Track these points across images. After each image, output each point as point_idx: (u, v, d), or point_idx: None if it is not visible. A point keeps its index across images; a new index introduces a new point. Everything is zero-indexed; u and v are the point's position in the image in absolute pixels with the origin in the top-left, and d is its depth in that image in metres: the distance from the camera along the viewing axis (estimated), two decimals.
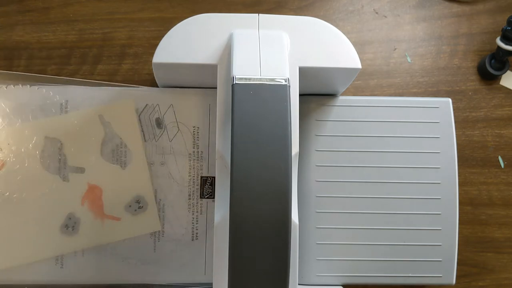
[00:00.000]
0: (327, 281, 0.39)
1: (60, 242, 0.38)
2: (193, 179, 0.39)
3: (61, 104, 0.39)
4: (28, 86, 0.40)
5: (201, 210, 0.39)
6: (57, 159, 0.39)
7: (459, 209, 0.40)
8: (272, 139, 0.28)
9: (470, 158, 0.44)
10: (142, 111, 0.40)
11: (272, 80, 0.30)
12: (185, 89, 0.40)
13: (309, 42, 0.34)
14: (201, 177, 0.39)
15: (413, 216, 0.40)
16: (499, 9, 0.47)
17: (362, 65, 0.35)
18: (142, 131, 0.40)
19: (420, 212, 0.40)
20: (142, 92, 0.40)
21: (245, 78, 0.29)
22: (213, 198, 0.39)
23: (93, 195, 0.39)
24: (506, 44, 0.43)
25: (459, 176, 0.41)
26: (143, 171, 0.39)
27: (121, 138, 0.39)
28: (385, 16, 0.47)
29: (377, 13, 0.47)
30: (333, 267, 0.39)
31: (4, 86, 0.39)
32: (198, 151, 0.40)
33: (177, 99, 0.40)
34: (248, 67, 0.30)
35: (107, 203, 0.39)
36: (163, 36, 0.34)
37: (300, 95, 0.34)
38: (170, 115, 0.40)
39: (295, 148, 0.31)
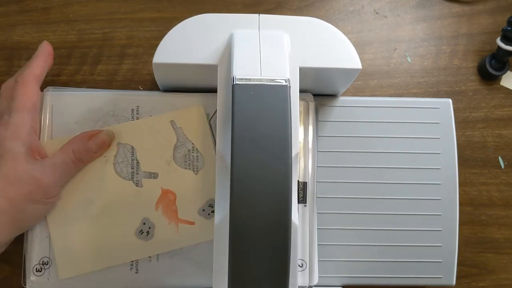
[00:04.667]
0: (327, 282, 0.39)
1: (135, 247, 0.38)
2: None
3: (132, 110, 0.39)
4: (100, 92, 0.40)
5: None
6: (130, 164, 0.39)
7: (459, 210, 0.40)
8: (272, 140, 0.28)
9: (470, 158, 0.44)
10: (212, 117, 0.40)
11: (273, 80, 0.30)
12: None
13: (309, 42, 0.34)
14: None
15: (413, 217, 0.40)
16: (499, 9, 0.47)
17: (362, 66, 0.35)
18: (213, 136, 0.40)
19: (420, 213, 0.40)
20: (212, 98, 0.40)
21: (246, 79, 0.29)
22: (304, 203, 0.39)
23: (167, 200, 0.39)
24: (506, 44, 0.43)
25: (459, 176, 0.41)
26: (215, 176, 0.39)
27: (193, 143, 0.39)
28: (385, 16, 0.47)
29: (377, 13, 0.47)
30: (333, 267, 0.39)
31: (75, 92, 0.39)
32: None
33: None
34: (248, 68, 0.30)
35: (181, 207, 0.39)
36: (163, 36, 0.34)
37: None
38: None
39: (295, 149, 0.31)
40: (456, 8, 0.47)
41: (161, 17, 0.46)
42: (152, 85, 0.44)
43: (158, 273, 0.38)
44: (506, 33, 0.42)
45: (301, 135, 0.39)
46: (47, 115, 0.39)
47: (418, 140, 0.41)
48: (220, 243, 0.31)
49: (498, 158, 0.44)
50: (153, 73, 0.36)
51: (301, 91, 0.33)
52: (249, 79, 0.29)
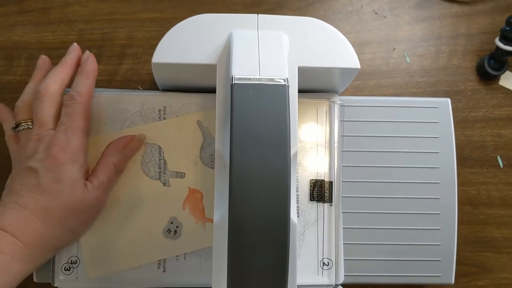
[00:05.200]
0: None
1: (163, 246, 0.38)
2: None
3: (159, 110, 0.39)
4: (127, 92, 0.40)
5: (298, 212, 0.39)
6: (157, 164, 0.39)
7: (458, 209, 0.40)
8: (271, 139, 0.28)
9: (469, 158, 0.44)
10: None
11: (271, 80, 0.30)
12: None
13: (308, 42, 0.34)
14: (311, 179, 0.39)
15: (412, 216, 0.40)
16: (498, 10, 0.47)
17: (361, 65, 0.35)
18: None
19: (419, 212, 0.40)
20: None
21: (244, 78, 0.29)
22: (322, 201, 0.39)
23: (194, 199, 0.39)
24: (505, 44, 0.43)
25: (458, 176, 0.41)
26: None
27: None
28: (384, 17, 0.47)
29: (376, 13, 0.47)
30: None
31: (103, 93, 0.40)
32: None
33: None
34: (247, 67, 0.30)
35: (208, 206, 0.39)
36: (162, 36, 0.34)
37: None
38: None
39: (294, 148, 0.31)
40: (455, 8, 0.47)
41: (161, 17, 0.46)
42: (151, 85, 0.44)
43: (186, 272, 0.38)
44: (504, 33, 0.42)
45: (326, 134, 0.40)
46: None
47: (417, 140, 0.41)
48: (219, 242, 0.31)
49: (496, 157, 0.45)
50: (152, 73, 0.37)
51: (300, 91, 0.34)
52: (248, 79, 0.29)
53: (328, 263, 0.38)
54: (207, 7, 0.46)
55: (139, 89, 0.44)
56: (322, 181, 0.39)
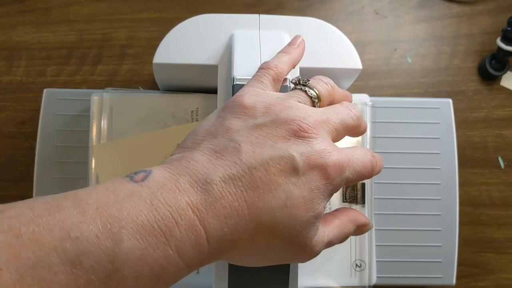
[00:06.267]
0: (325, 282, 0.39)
1: None
2: None
3: (192, 112, 0.39)
4: (160, 93, 0.40)
5: None
6: None
7: (460, 210, 0.40)
8: None
9: (471, 158, 0.44)
10: None
11: None
12: None
13: (310, 42, 0.34)
14: None
15: (414, 217, 0.40)
16: (500, 10, 0.47)
17: (362, 66, 0.35)
18: None
19: (420, 213, 0.40)
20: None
21: (246, 79, 0.29)
22: (355, 202, 0.39)
23: None
24: (507, 44, 0.43)
25: (459, 176, 0.41)
26: None
27: None
28: (386, 17, 0.47)
29: (377, 13, 0.47)
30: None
31: (136, 94, 0.39)
32: None
33: None
34: (248, 68, 0.30)
35: None
36: (163, 37, 0.34)
37: None
38: None
39: None
40: (456, 8, 0.47)
41: (161, 17, 0.46)
42: (152, 85, 0.44)
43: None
44: (506, 34, 0.42)
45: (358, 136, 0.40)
46: (107, 117, 0.39)
47: (418, 140, 0.41)
48: None
49: (498, 158, 0.44)
50: (153, 73, 0.36)
51: None
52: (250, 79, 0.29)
53: (360, 264, 0.38)
54: (208, 7, 0.46)
55: (140, 89, 0.44)
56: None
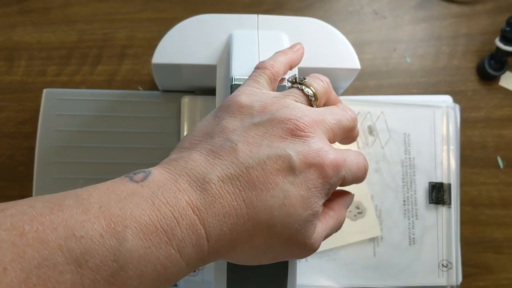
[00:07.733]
0: (325, 283, 0.39)
1: None
2: (407, 185, 0.40)
3: None
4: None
5: (416, 216, 0.39)
6: None
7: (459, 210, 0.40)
8: None
9: (470, 158, 0.44)
10: None
11: None
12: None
13: (309, 42, 0.34)
14: (429, 182, 0.40)
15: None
16: (498, 10, 0.47)
17: (361, 66, 0.35)
18: None
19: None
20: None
21: (244, 79, 0.29)
22: (441, 203, 0.39)
23: None
24: (505, 44, 0.43)
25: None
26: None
27: None
28: (385, 17, 0.47)
29: (376, 13, 0.47)
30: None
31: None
32: (410, 158, 0.40)
33: (387, 106, 0.41)
34: (247, 68, 0.30)
35: None
36: (162, 37, 0.34)
37: None
38: (381, 123, 0.40)
39: None
40: (455, 8, 0.47)
41: (161, 17, 0.46)
42: (151, 85, 0.44)
43: (307, 273, 0.38)
44: (505, 34, 0.42)
45: (443, 137, 0.40)
46: (185, 120, 0.39)
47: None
48: None
49: (497, 158, 0.44)
50: (152, 73, 0.37)
51: None
52: None
53: (447, 264, 0.39)
54: (207, 7, 0.46)
55: (139, 89, 0.44)
56: (441, 184, 0.39)
